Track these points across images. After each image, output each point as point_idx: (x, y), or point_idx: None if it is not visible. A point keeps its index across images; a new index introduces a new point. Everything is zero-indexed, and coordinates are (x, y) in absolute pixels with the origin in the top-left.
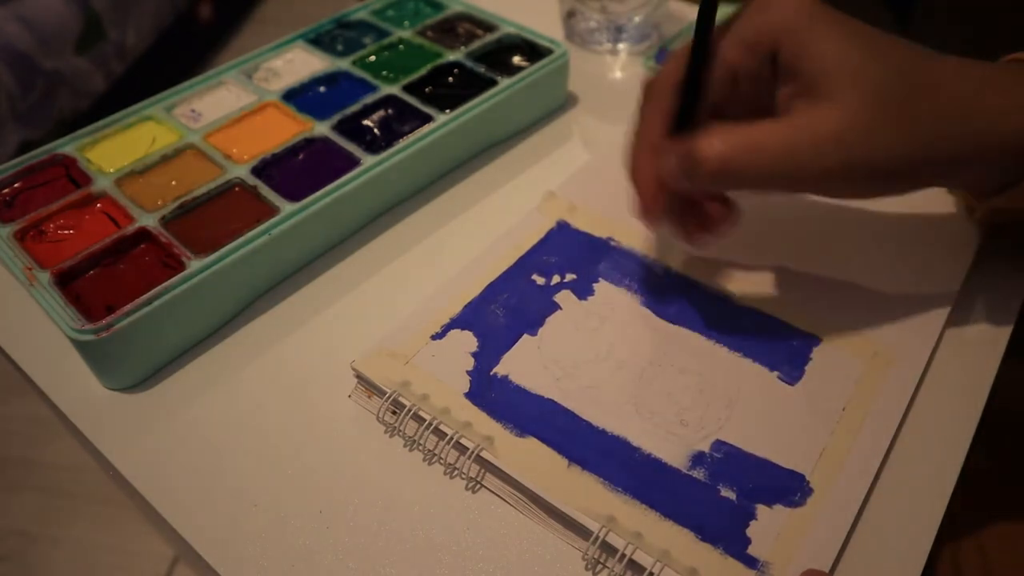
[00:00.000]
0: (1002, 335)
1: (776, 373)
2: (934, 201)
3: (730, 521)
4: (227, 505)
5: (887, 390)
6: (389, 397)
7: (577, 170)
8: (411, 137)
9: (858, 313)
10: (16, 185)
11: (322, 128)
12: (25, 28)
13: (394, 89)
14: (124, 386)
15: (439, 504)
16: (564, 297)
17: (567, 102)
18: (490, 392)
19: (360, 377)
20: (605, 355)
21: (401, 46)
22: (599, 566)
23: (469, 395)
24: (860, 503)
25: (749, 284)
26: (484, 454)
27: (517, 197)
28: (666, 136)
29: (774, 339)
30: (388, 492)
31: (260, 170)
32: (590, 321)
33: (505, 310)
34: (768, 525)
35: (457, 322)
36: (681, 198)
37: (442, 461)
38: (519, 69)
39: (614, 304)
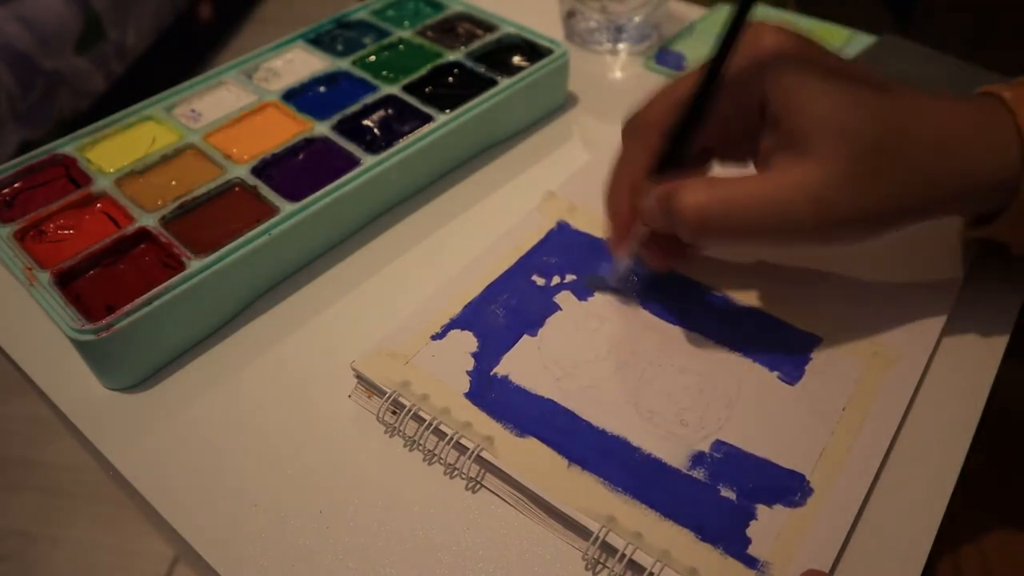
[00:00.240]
0: (1002, 335)
1: (776, 373)
2: None
3: (730, 521)
4: (227, 505)
5: (887, 390)
6: (389, 397)
7: (577, 170)
8: (411, 137)
9: (858, 313)
10: (16, 185)
11: (322, 128)
12: (25, 28)
13: (394, 89)
14: (124, 386)
15: (439, 504)
16: (564, 298)
17: (567, 102)
18: (490, 392)
19: (360, 377)
20: (605, 355)
21: (401, 46)
22: (599, 566)
23: (469, 395)
24: (860, 503)
25: (749, 284)
26: (484, 454)
27: (517, 197)
28: (648, 176)
29: (774, 339)
30: (388, 492)
31: (260, 170)
32: (590, 321)
33: (505, 310)
34: (768, 525)
35: (457, 322)
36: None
37: (442, 461)
38: (519, 69)
39: (614, 304)
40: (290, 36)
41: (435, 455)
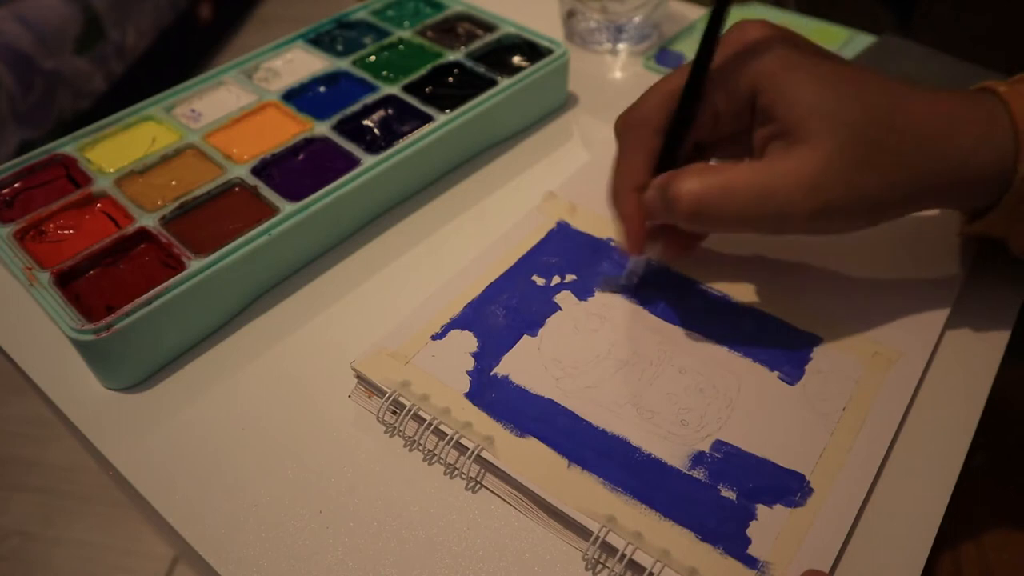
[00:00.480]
0: (1002, 335)
1: (776, 373)
2: None
3: (730, 521)
4: (227, 505)
5: (887, 390)
6: (389, 397)
7: (577, 170)
8: (411, 137)
9: (858, 313)
10: (16, 185)
11: (322, 128)
12: (25, 28)
13: (394, 89)
14: (124, 386)
15: (439, 504)
16: (564, 298)
17: (567, 102)
18: (490, 392)
19: (360, 377)
20: (605, 355)
21: (401, 46)
22: (599, 566)
23: (469, 395)
24: (860, 503)
25: (749, 284)
26: (484, 454)
27: (517, 197)
28: (650, 175)
29: (774, 339)
30: (388, 492)
31: (260, 170)
32: (590, 322)
33: (505, 310)
34: (768, 525)
35: (457, 322)
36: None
37: (442, 461)
38: (519, 69)
39: (614, 305)
40: (290, 36)
41: (435, 455)
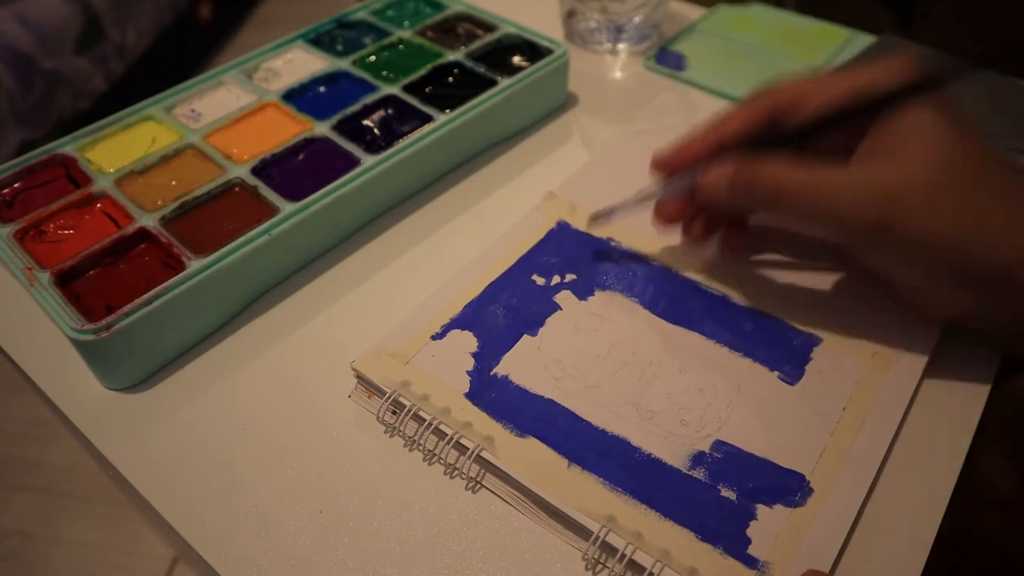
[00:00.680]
0: None
1: (776, 373)
2: None
3: (730, 521)
4: (227, 505)
5: (887, 390)
6: (389, 397)
7: (577, 170)
8: (411, 137)
9: (858, 313)
10: (16, 185)
11: (322, 128)
12: (25, 28)
13: (394, 89)
14: (124, 386)
15: (439, 504)
16: (564, 297)
17: (567, 102)
18: (490, 392)
19: (360, 377)
20: (605, 355)
21: (401, 46)
22: (599, 566)
23: (469, 395)
24: (860, 503)
25: (749, 284)
26: (484, 454)
27: (517, 197)
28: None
29: (774, 339)
30: (388, 492)
31: (260, 170)
32: (590, 322)
33: (505, 310)
34: (768, 525)
35: (457, 322)
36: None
37: (442, 461)
38: (519, 69)
39: (614, 304)
40: (290, 36)
41: (435, 455)
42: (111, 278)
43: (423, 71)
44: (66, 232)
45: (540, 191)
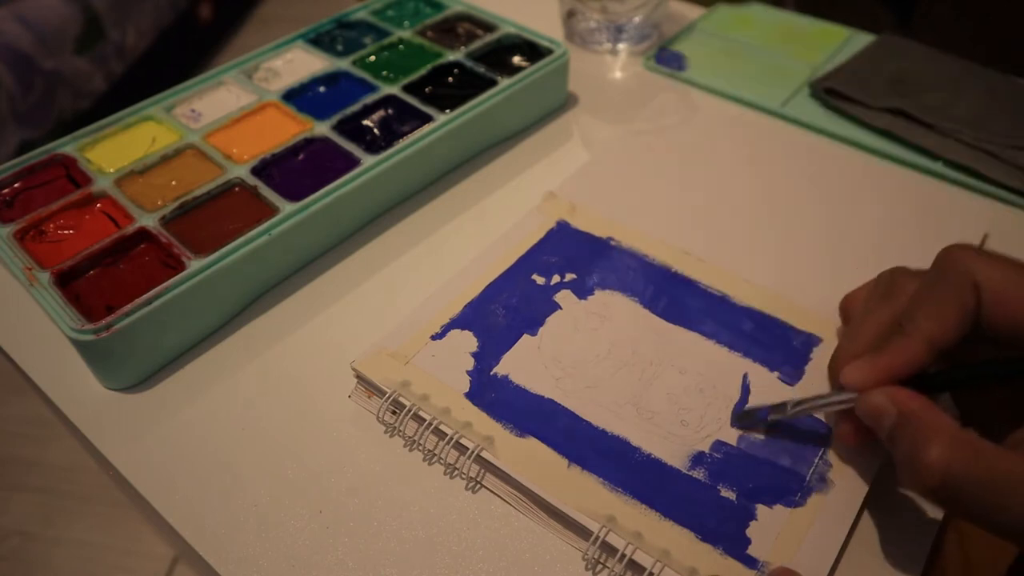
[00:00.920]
0: None
1: (776, 373)
2: (935, 200)
3: (730, 521)
4: (227, 505)
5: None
6: (389, 397)
7: (577, 170)
8: (411, 137)
9: None
10: (16, 185)
11: (322, 128)
12: (25, 28)
13: (394, 89)
14: (124, 386)
15: (439, 504)
16: (564, 297)
17: (567, 102)
18: (490, 392)
19: (360, 377)
20: (605, 355)
21: (401, 46)
22: (599, 566)
23: (469, 395)
24: (860, 503)
25: (749, 284)
26: (484, 454)
27: (517, 197)
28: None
29: (774, 339)
30: (388, 492)
31: (260, 170)
32: (590, 321)
33: (505, 310)
34: (768, 525)
35: (457, 322)
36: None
37: (442, 461)
38: (519, 69)
39: (614, 304)
40: (290, 36)
41: (435, 455)
42: (111, 278)
43: (423, 71)
44: (66, 232)
45: (540, 191)
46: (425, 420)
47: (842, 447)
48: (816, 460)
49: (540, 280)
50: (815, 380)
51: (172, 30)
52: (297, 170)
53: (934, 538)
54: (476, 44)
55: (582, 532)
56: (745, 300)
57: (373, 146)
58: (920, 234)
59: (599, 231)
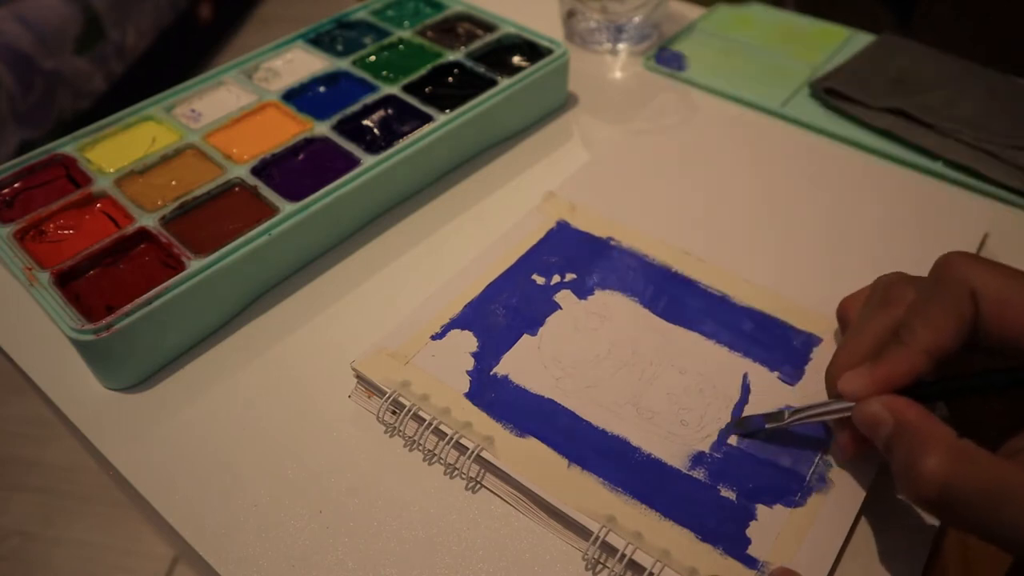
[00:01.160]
0: None
1: (776, 373)
2: (935, 200)
3: (730, 521)
4: (227, 505)
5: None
6: (389, 397)
7: (577, 170)
8: (411, 137)
9: None
10: (16, 185)
11: (322, 128)
12: (25, 28)
13: (394, 89)
14: (124, 386)
15: (439, 504)
16: (564, 297)
17: (567, 102)
18: (490, 392)
19: (360, 377)
20: (605, 355)
21: (401, 46)
22: (599, 566)
23: (469, 395)
24: (860, 503)
25: (749, 284)
26: (484, 454)
27: (517, 197)
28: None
29: (774, 339)
30: (388, 492)
31: (260, 170)
32: (590, 321)
33: (505, 310)
34: (768, 525)
35: (457, 322)
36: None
37: (442, 461)
38: (519, 69)
39: (614, 304)
40: (290, 36)
41: (435, 455)
42: (111, 278)
43: (423, 71)
44: (66, 232)
45: (540, 191)
46: (425, 420)
47: (840, 455)
48: (816, 460)
49: (540, 280)
50: (815, 380)
51: (172, 30)
52: (297, 170)
53: (934, 538)
54: (476, 44)
55: (582, 532)
56: (745, 300)
57: (373, 146)
58: (920, 234)
59: (599, 231)
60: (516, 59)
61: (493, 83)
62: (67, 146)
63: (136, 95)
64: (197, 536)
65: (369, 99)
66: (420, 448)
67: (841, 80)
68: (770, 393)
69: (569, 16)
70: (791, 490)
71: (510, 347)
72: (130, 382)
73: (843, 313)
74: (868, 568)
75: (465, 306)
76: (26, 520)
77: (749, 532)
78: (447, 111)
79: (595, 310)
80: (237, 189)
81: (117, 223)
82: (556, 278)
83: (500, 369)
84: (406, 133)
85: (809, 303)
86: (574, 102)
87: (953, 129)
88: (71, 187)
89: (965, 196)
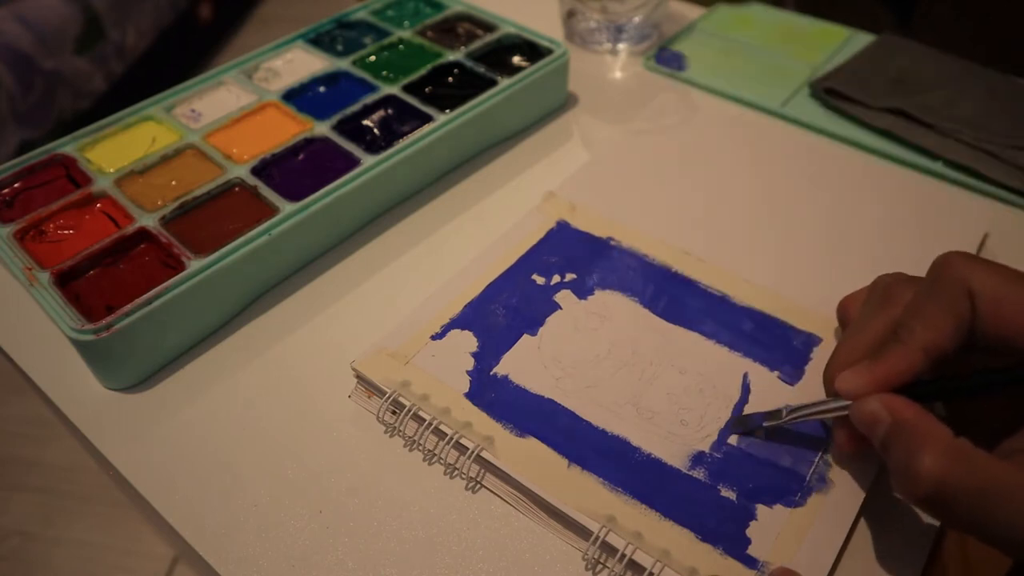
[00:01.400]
0: None
1: (776, 373)
2: (935, 200)
3: (730, 521)
4: (227, 505)
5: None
6: (389, 397)
7: (577, 170)
8: (411, 137)
9: None
10: (16, 185)
11: (322, 128)
12: (25, 28)
13: (394, 89)
14: (124, 386)
15: (439, 504)
16: (564, 297)
17: (567, 102)
18: (490, 392)
19: (360, 377)
20: (605, 355)
21: (401, 46)
22: (599, 566)
23: (469, 395)
24: (860, 503)
25: (749, 284)
26: (484, 454)
27: (517, 197)
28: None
29: (774, 339)
30: (388, 492)
31: (260, 170)
32: (590, 321)
33: (505, 310)
34: (768, 525)
35: (457, 322)
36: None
37: (442, 461)
38: (519, 69)
39: (614, 304)
40: (290, 36)
41: (435, 455)
42: (111, 278)
43: (423, 71)
44: (66, 232)
45: (540, 191)
46: (425, 420)
47: (839, 454)
48: (816, 460)
49: (540, 280)
50: (815, 380)
51: (172, 30)
52: (297, 170)
53: (934, 538)
54: (476, 44)
55: (582, 532)
56: (745, 300)
57: (373, 146)
58: (920, 234)
59: (599, 231)
60: (516, 59)
61: (493, 83)
62: (67, 146)
63: (136, 95)
64: (197, 536)
65: (369, 99)
66: (420, 448)
67: (841, 80)
68: (770, 393)
69: (569, 16)
70: (791, 490)
71: (510, 347)
72: (130, 382)
73: (843, 313)
74: (868, 568)
75: (465, 306)
76: (26, 520)
77: (749, 532)
78: (447, 111)
79: (595, 310)
80: (237, 189)
81: (117, 223)
82: (556, 278)
83: (500, 369)
84: (406, 133)
85: (809, 303)
86: (574, 102)
87: (953, 129)
88: (71, 187)
89: (965, 196)
